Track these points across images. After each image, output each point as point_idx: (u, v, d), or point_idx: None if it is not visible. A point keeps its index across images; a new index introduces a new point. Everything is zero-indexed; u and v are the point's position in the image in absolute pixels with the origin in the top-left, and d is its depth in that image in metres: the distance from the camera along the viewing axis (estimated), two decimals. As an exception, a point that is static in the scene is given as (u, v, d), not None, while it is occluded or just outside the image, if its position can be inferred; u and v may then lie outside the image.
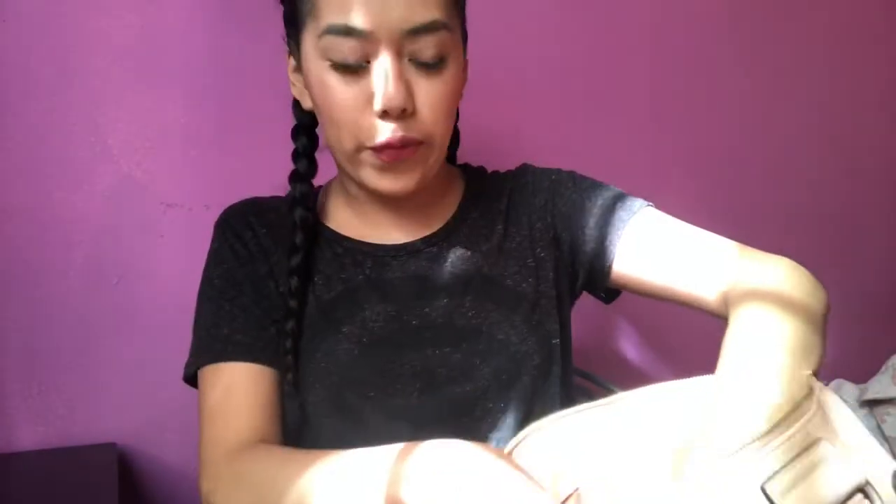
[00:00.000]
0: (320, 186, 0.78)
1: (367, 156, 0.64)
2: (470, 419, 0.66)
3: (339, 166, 0.70)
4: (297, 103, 0.72)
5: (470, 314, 0.69)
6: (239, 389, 0.64)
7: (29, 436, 1.02)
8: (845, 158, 1.55)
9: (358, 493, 0.51)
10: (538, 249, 0.73)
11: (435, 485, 0.46)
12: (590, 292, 0.77)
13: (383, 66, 0.60)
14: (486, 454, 0.47)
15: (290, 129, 1.15)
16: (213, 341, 0.66)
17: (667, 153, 1.38)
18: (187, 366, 0.68)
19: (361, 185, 0.68)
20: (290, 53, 0.69)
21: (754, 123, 1.45)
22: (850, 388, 1.40)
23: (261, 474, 0.59)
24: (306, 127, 0.72)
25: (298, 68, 0.68)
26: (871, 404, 1.33)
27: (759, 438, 0.45)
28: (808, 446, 0.46)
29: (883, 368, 1.36)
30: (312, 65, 0.63)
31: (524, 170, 0.79)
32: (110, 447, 1.03)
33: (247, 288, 0.68)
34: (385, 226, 0.72)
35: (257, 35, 1.08)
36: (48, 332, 1.02)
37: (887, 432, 1.26)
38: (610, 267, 0.71)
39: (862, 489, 0.46)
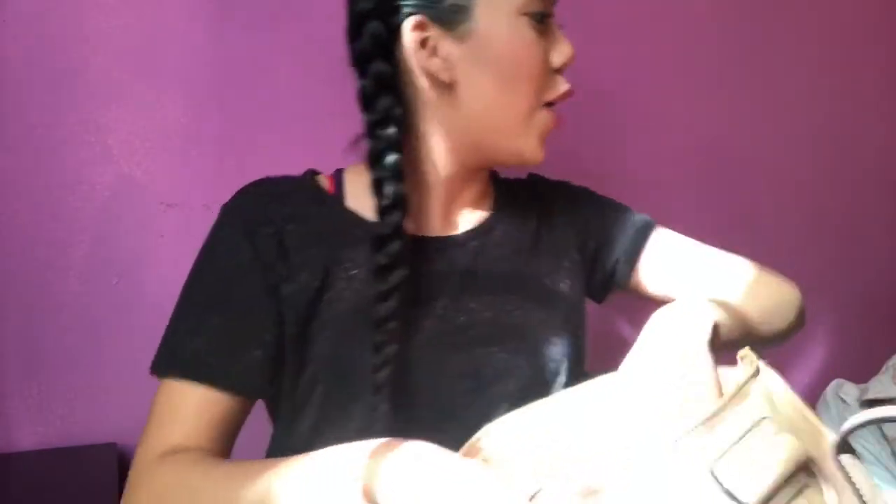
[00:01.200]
0: (339, 171, 0.72)
1: (542, 116, 0.66)
2: None
3: (454, 147, 0.66)
4: (387, 88, 0.63)
5: (516, 313, 0.69)
6: (192, 408, 0.60)
7: (29, 436, 1.02)
8: (846, 159, 1.55)
9: (321, 494, 0.49)
10: (572, 253, 0.75)
11: (409, 486, 0.45)
12: (591, 297, 0.80)
13: (554, 25, 0.66)
14: (452, 456, 0.47)
15: (289, 130, 1.15)
16: (183, 354, 0.61)
17: (666, 154, 1.38)
18: (154, 364, 0.63)
19: (496, 158, 0.68)
20: (424, 25, 0.62)
21: (754, 124, 1.45)
22: (851, 388, 1.40)
23: (192, 478, 0.55)
24: (397, 116, 0.63)
25: (439, 38, 0.62)
26: (872, 404, 1.33)
27: (704, 422, 0.46)
28: (752, 427, 0.46)
29: (883, 368, 1.36)
30: (503, 21, 0.62)
31: (540, 179, 0.82)
32: (110, 447, 1.03)
33: (240, 300, 0.62)
34: (430, 217, 0.69)
35: (257, 34, 1.08)
36: (48, 331, 1.02)
37: (887, 432, 1.26)
38: (627, 281, 0.77)
39: (805, 466, 0.46)
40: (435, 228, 0.69)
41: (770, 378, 0.53)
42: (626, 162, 1.35)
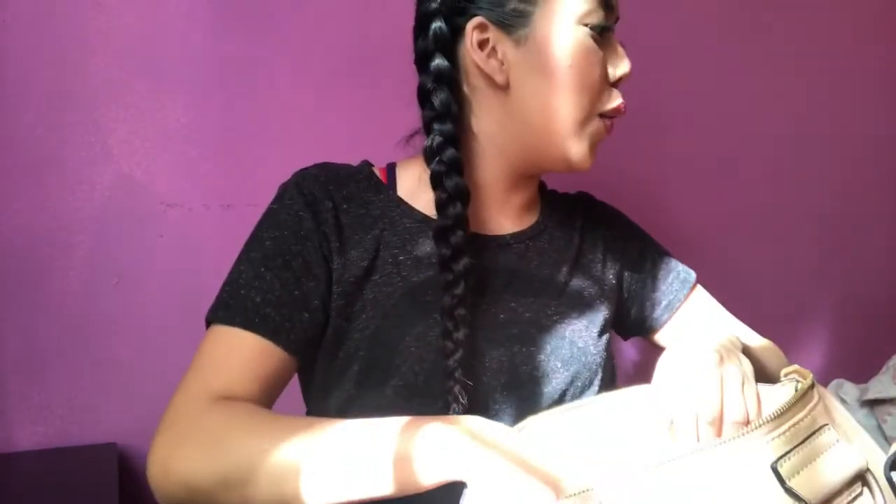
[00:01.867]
0: (392, 165, 0.74)
1: (597, 125, 0.67)
2: None
3: (505, 149, 0.68)
4: (447, 84, 0.65)
5: (555, 317, 0.70)
6: (245, 357, 0.60)
7: (29, 436, 1.02)
8: (846, 159, 1.55)
9: (361, 461, 0.51)
10: (609, 275, 0.77)
11: (460, 458, 0.47)
12: (618, 331, 0.83)
13: (614, 39, 0.67)
14: (510, 431, 0.49)
15: (290, 130, 1.15)
16: (240, 304, 0.61)
17: (666, 155, 1.38)
18: (212, 312, 0.63)
19: (537, 166, 0.69)
20: (483, 26, 0.64)
21: (754, 124, 1.45)
22: (850, 388, 1.40)
23: (247, 428, 0.54)
24: (454, 112, 0.65)
25: (498, 40, 0.64)
26: (872, 404, 1.33)
27: (770, 422, 0.46)
28: (815, 431, 0.47)
29: (884, 368, 1.36)
30: (563, 28, 0.63)
31: (589, 198, 0.84)
32: (110, 447, 1.03)
33: (297, 263, 0.63)
34: (479, 214, 0.70)
35: (257, 35, 1.08)
36: (48, 331, 1.02)
37: (888, 432, 1.26)
38: (653, 332, 0.81)
39: (861, 475, 0.47)
40: (483, 227, 0.71)
41: (824, 392, 0.54)
42: (627, 162, 1.35)
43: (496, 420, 0.55)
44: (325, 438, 0.53)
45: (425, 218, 0.68)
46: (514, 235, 0.72)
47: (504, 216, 0.72)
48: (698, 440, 0.47)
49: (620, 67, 0.67)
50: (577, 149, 0.66)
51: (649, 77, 1.34)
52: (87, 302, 1.03)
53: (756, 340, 0.76)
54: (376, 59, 1.13)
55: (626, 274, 0.78)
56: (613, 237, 0.79)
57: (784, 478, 0.43)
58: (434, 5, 0.65)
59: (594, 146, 0.68)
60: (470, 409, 0.63)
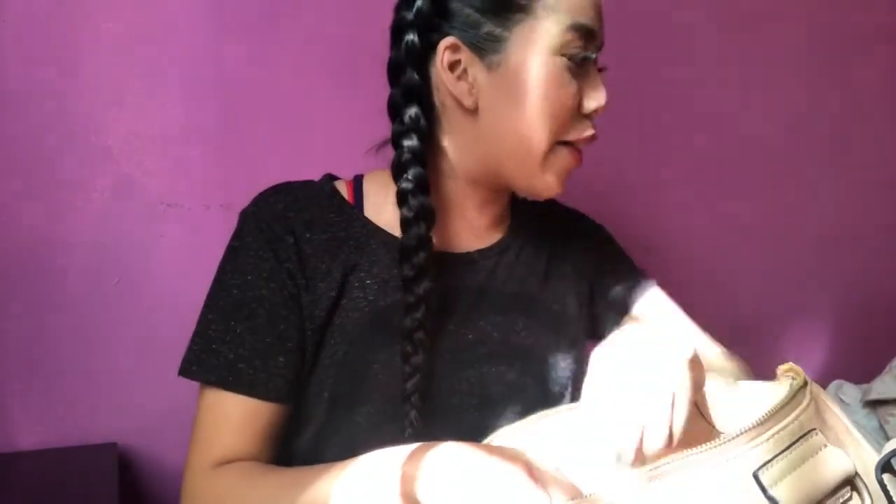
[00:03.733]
0: (359, 178, 0.72)
1: (562, 154, 0.65)
2: None
3: (468, 171, 0.67)
4: (415, 100, 0.64)
5: (523, 334, 0.70)
6: (232, 419, 0.61)
7: (29, 436, 1.02)
8: (846, 159, 1.55)
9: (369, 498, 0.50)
10: (580, 284, 0.76)
11: (448, 485, 0.46)
12: None
13: (596, 69, 0.65)
14: (484, 453, 0.47)
15: (289, 130, 1.15)
16: (213, 360, 0.62)
17: (666, 157, 1.38)
18: (185, 364, 0.63)
19: (502, 190, 0.68)
20: (456, 47, 0.62)
21: (754, 125, 1.45)
22: (851, 389, 1.40)
23: (245, 488, 0.57)
24: (422, 128, 0.64)
25: (469, 62, 0.62)
26: (874, 405, 1.33)
27: (754, 427, 0.45)
28: (802, 436, 0.46)
29: (887, 369, 1.36)
30: (536, 57, 0.61)
31: (558, 205, 0.82)
32: (110, 447, 1.03)
33: (264, 308, 0.62)
34: (447, 232, 0.70)
35: (257, 35, 1.08)
36: (48, 331, 1.02)
37: (890, 433, 1.26)
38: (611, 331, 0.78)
39: (850, 480, 0.47)
40: (450, 244, 0.70)
41: (818, 391, 0.53)
42: (627, 162, 1.35)
43: (470, 439, 0.54)
44: (307, 490, 0.54)
45: (391, 238, 0.67)
46: (482, 252, 0.71)
47: (472, 233, 0.71)
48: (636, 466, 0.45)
49: (594, 100, 0.64)
50: (542, 177, 0.65)
51: (649, 78, 1.34)
52: (87, 302, 1.03)
53: (710, 352, 0.73)
54: (375, 59, 1.12)
55: (597, 285, 0.78)
56: (586, 248, 0.78)
57: (766, 486, 0.43)
58: (409, 17, 0.63)
59: (561, 174, 0.66)
60: (442, 432, 0.62)
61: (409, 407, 0.61)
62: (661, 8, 1.32)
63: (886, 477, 0.48)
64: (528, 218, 0.77)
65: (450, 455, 0.48)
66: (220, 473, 0.59)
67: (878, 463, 0.47)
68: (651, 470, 0.43)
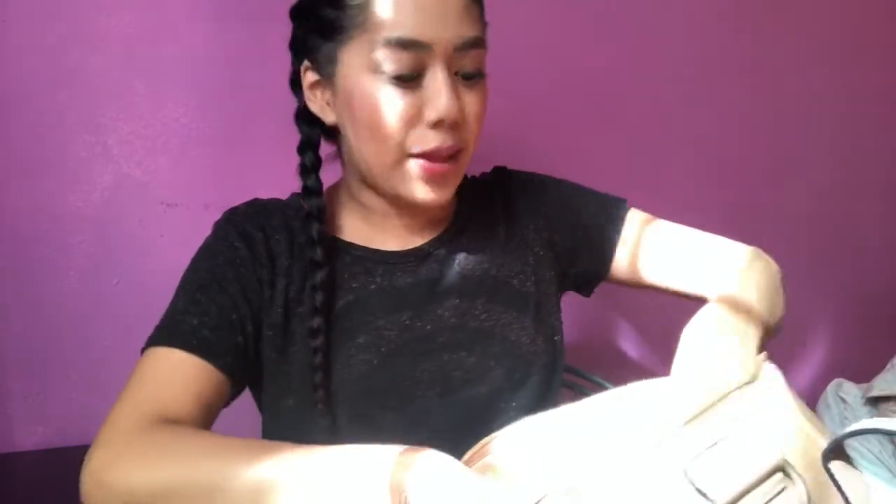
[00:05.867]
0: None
1: (411, 166, 0.64)
2: (481, 421, 0.65)
3: (363, 179, 0.69)
4: (305, 118, 0.70)
5: (482, 316, 0.70)
6: (184, 376, 0.59)
7: (29, 436, 1.02)
8: (845, 158, 1.55)
9: (338, 488, 0.48)
10: (536, 248, 0.75)
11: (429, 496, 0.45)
12: (577, 291, 0.81)
13: (439, 78, 0.62)
14: (462, 469, 0.47)
15: (288, 130, 1.15)
16: (178, 328, 0.62)
17: (668, 155, 1.38)
18: (150, 338, 0.63)
19: (394, 197, 0.68)
20: (310, 69, 0.67)
21: (755, 126, 1.45)
22: (850, 388, 1.40)
23: (202, 447, 0.52)
24: (314, 142, 0.71)
25: (321, 83, 0.67)
26: (876, 402, 1.33)
27: (684, 424, 0.48)
28: (732, 430, 0.48)
29: (888, 366, 1.36)
30: (359, 77, 0.62)
31: (505, 173, 0.81)
32: (110, 447, 1.03)
33: (232, 289, 0.65)
34: (394, 232, 0.72)
35: (257, 35, 1.08)
36: (48, 331, 1.02)
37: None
38: (606, 272, 0.78)
39: (781, 468, 0.48)
40: (395, 243, 0.72)
41: (770, 382, 0.54)
42: (626, 161, 1.35)
43: (436, 427, 0.55)
44: (283, 464, 0.50)
45: (343, 244, 0.71)
46: (432, 243, 0.72)
47: (416, 228, 0.72)
48: None
49: (433, 110, 0.62)
50: (402, 188, 0.65)
51: (649, 77, 1.34)
52: (87, 302, 1.03)
53: (734, 279, 0.75)
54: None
55: (557, 236, 0.76)
56: (533, 204, 0.77)
57: (692, 479, 0.45)
58: (290, 44, 0.70)
59: (427, 183, 0.65)
60: (411, 424, 0.65)
61: (320, 399, 0.64)
62: (662, 7, 1.33)
63: (837, 464, 0.48)
64: (475, 195, 0.77)
65: (434, 465, 0.47)
66: (162, 425, 0.54)
67: (824, 451, 0.47)
68: (604, 466, 0.45)
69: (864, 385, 1.37)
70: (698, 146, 1.41)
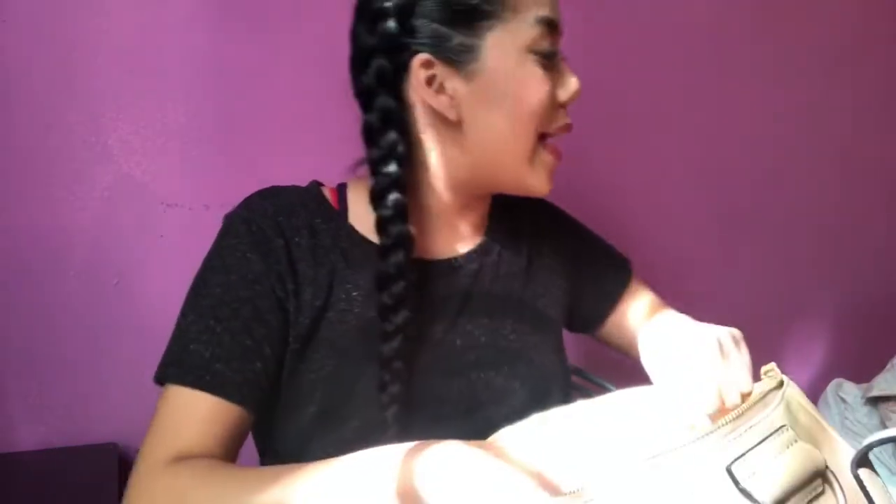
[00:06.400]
0: (342, 186, 0.71)
1: (543, 154, 0.67)
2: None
3: (451, 176, 0.66)
4: (394, 123, 0.63)
5: (511, 337, 0.70)
6: (200, 418, 0.58)
7: (29, 436, 1.02)
8: (845, 159, 1.55)
9: (357, 495, 0.49)
10: (558, 279, 0.77)
11: (447, 485, 0.45)
12: (567, 326, 0.82)
13: (562, 58, 0.66)
14: (483, 454, 0.47)
15: (289, 130, 1.15)
16: (190, 360, 0.60)
17: (668, 157, 1.38)
18: (162, 368, 0.62)
19: (503, 190, 0.69)
20: (431, 62, 0.62)
21: (755, 127, 1.45)
22: (850, 388, 1.40)
23: (209, 485, 0.53)
24: (400, 153, 0.63)
25: (440, 76, 0.62)
26: (876, 402, 1.33)
27: (725, 425, 0.47)
28: (773, 433, 0.48)
29: (888, 366, 1.36)
30: (508, 61, 0.62)
31: (530, 200, 0.81)
32: (110, 447, 1.03)
33: (246, 310, 0.61)
34: (432, 240, 0.69)
35: (257, 35, 1.08)
36: (48, 331, 1.02)
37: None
38: (596, 328, 0.82)
39: (821, 473, 0.48)
40: (435, 252, 0.69)
41: (792, 391, 0.55)
42: (627, 162, 1.35)
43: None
44: (287, 486, 0.51)
45: (377, 249, 0.64)
46: (466, 256, 0.71)
47: (455, 238, 0.71)
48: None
49: (568, 89, 0.66)
50: (533, 176, 0.66)
51: (651, 79, 1.34)
52: (87, 302, 1.03)
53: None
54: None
55: (573, 272, 0.79)
56: (558, 237, 0.79)
57: (738, 479, 0.44)
58: (373, 41, 0.62)
59: (549, 171, 0.68)
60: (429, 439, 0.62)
61: (392, 435, 0.60)
62: (663, 7, 1.33)
63: (863, 472, 0.49)
64: (507, 215, 0.77)
65: (451, 454, 0.47)
66: (181, 465, 0.55)
67: (854, 458, 0.48)
68: (642, 462, 0.44)
69: (864, 385, 1.37)
70: (698, 147, 1.41)
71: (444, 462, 0.47)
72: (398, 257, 0.61)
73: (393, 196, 0.62)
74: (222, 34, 1.06)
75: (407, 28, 0.62)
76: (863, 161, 1.57)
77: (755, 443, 0.47)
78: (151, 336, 1.07)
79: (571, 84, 0.66)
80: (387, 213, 0.62)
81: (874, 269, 1.62)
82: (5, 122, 0.98)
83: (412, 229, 0.62)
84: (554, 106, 0.65)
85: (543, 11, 0.63)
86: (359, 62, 0.64)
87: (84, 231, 1.02)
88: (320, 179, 0.73)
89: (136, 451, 1.07)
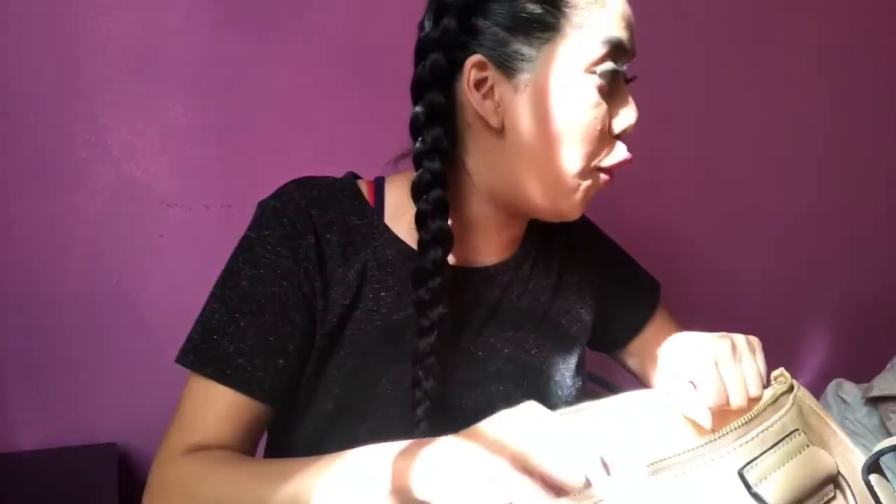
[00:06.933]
0: (380, 180, 0.69)
1: (592, 179, 0.62)
2: None
3: (493, 189, 0.64)
4: (440, 119, 0.62)
5: (533, 351, 0.69)
6: (219, 410, 0.59)
7: (29, 436, 1.02)
8: (845, 159, 1.55)
9: (358, 490, 0.49)
10: (587, 297, 0.76)
11: (445, 480, 0.45)
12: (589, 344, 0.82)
13: (625, 88, 0.62)
14: (478, 448, 0.47)
15: (289, 130, 1.15)
16: (212, 351, 0.60)
17: (669, 155, 1.38)
18: (184, 353, 0.62)
19: (535, 211, 0.65)
20: (483, 64, 0.60)
21: (756, 126, 1.45)
22: (851, 388, 1.40)
23: (221, 474, 0.55)
24: (444, 149, 0.62)
25: (492, 80, 0.61)
26: (876, 402, 1.33)
27: (737, 428, 0.47)
28: (785, 436, 0.48)
29: (888, 366, 1.36)
30: (563, 77, 0.59)
31: None
32: (110, 447, 1.03)
33: (273, 307, 0.61)
34: (471, 250, 0.68)
35: (257, 35, 1.08)
36: (48, 331, 1.02)
37: (892, 429, 1.26)
38: (616, 351, 0.82)
39: (833, 479, 0.48)
40: (468, 259, 0.68)
41: (803, 394, 0.54)
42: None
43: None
44: (291, 481, 0.52)
45: (409, 249, 0.65)
46: (498, 267, 0.69)
47: (491, 248, 0.69)
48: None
49: (624, 120, 0.61)
50: (568, 201, 0.63)
51: (648, 77, 1.34)
52: (87, 302, 1.03)
53: None
54: (376, 59, 1.13)
55: (601, 291, 0.77)
56: (590, 255, 0.78)
57: (750, 483, 0.44)
58: (435, 35, 0.61)
59: (588, 198, 0.64)
60: None
61: (419, 434, 0.60)
62: (663, 7, 1.33)
63: (874, 477, 0.49)
64: (541, 230, 0.75)
65: (446, 451, 0.47)
66: (196, 455, 0.57)
67: (865, 464, 0.48)
68: (649, 465, 0.43)
69: (864, 385, 1.37)
70: (698, 147, 1.41)
71: (437, 459, 0.46)
72: (437, 253, 0.60)
73: (435, 192, 0.61)
74: (222, 34, 1.06)
75: (468, 26, 0.60)
76: (863, 161, 1.57)
77: (767, 447, 0.46)
78: (151, 336, 1.07)
79: (629, 115, 0.61)
80: (427, 207, 0.61)
81: (874, 269, 1.62)
82: (5, 121, 0.98)
83: (452, 224, 0.61)
84: (607, 135, 0.61)
85: (612, 32, 0.59)
86: (418, 53, 0.63)
87: (84, 231, 1.02)
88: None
89: (136, 451, 1.09)
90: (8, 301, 1.00)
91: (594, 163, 0.61)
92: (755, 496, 0.44)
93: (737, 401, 0.51)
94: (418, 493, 0.46)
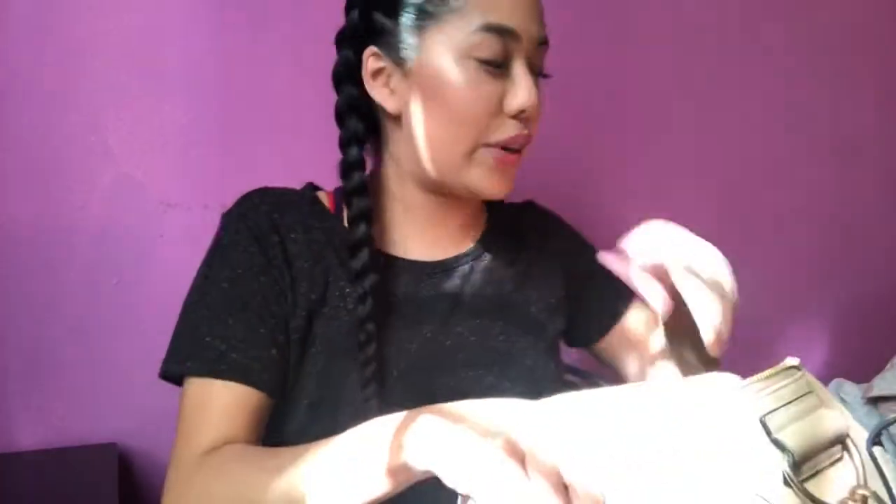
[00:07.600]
0: (339, 190, 0.73)
1: (483, 155, 0.64)
2: None
3: (415, 174, 0.68)
4: (354, 110, 0.67)
5: (501, 338, 0.70)
6: (222, 408, 0.60)
7: (29, 436, 1.02)
8: (845, 159, 1.55)
9: (354, 470, 0.50)
10: (557, 289, 0.77)
11: (440, 444, 0.45)
12: (566, 340, 0.83)
13: (523, 69, 0.64)
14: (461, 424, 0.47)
15: (289, 130, 1.15)
16: (206, 353, 0.61)
17: (669, 155, 1.38)
18: (168, 364, 0.64)
19: (447, 193, 0.68)
20: (377, 54, 0.65)
21: (756, 127, 1.45)
22: (851, 388, 1.40)
23: (238, 471, 0.56)
24: (361, 137, 0.68)
25: (387, 69, 0.65)
26: (876, 402, 1.33)
27: (761, 380, 0.49)
28: (800, 396, 0.50)
29: (888, 365, 1.35)
30: (444, 62, 0.62)
31: (539, 208, 0.83)
32: (110, 447, 1.03)
33: (256, 302, 0.63)
34: (423, 241, 0.71)
35: (257, 35, 1.08)
36: (48, 331, 1.02)
37: (892, 429, 1.26)
38: (595, 343, 0.81)
39: (842, 440, 0.49)
40: (422, 253, 0.71)
41: (813, 379, 0.56)
42: (627, 163, 1.35)
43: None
44: (292, 470, 0.53)
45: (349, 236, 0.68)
46: (458, 258, 0.72)
47: (445, 239, 0.72)
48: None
49: (517, 100, 0.63)
50: (470, 177, 0.65)
51: (648, 78, 1.34)
52: (87, 302, 1.03)
53: None
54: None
55: (574, 283, 0.79)
56: (561, 248, 0.79)
57: (771, 430, 0.46)
58: (345, 32, 0.67)
59: (495, 174, 0.66)
60: None
61: (370, 397, 0.63)
62: (662, 8, 1.33)
63: (877, 450, 0.50)
64: (503, 221, 0.77)
65: (436, 418, 0.48)
66: (207, 459, 0.58)
67: (869, 436, 0.50)
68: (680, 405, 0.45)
69: (864, 385, 1.37)
70: (699, 147, 1.41)
71: (429, 428, 0.47)
72: (362, 228, 0.65)
73: (356, 174, 0.66)
74: (222, 34, 1.06)
75: (367, 23, 0.66)
76: (863, 162, 1.57)
77: (785, 401, 0.48)
78: (151, 336, 1.07)
79: (521, 95, 0.63)
80: (351, 186, 0.66)
81: (874, 269, 1.62)
82: (6, 121, 0.98)
83: (371, 203, 0.66)
84: (495, 115, 0.64)
85: (492, 18, 0.61)
86: (336, 48, 0.69)
87: (84, 231, 1.02)
88: (321, 178, 0.74)
89: (136, 451, 1.09)
90: (8, 301, 1.00)
91: (482, 140, 0.64)
92: (775, 442, 0.45)
93: (721, 329, 0.57)
94: (417, 464, 0.46)
